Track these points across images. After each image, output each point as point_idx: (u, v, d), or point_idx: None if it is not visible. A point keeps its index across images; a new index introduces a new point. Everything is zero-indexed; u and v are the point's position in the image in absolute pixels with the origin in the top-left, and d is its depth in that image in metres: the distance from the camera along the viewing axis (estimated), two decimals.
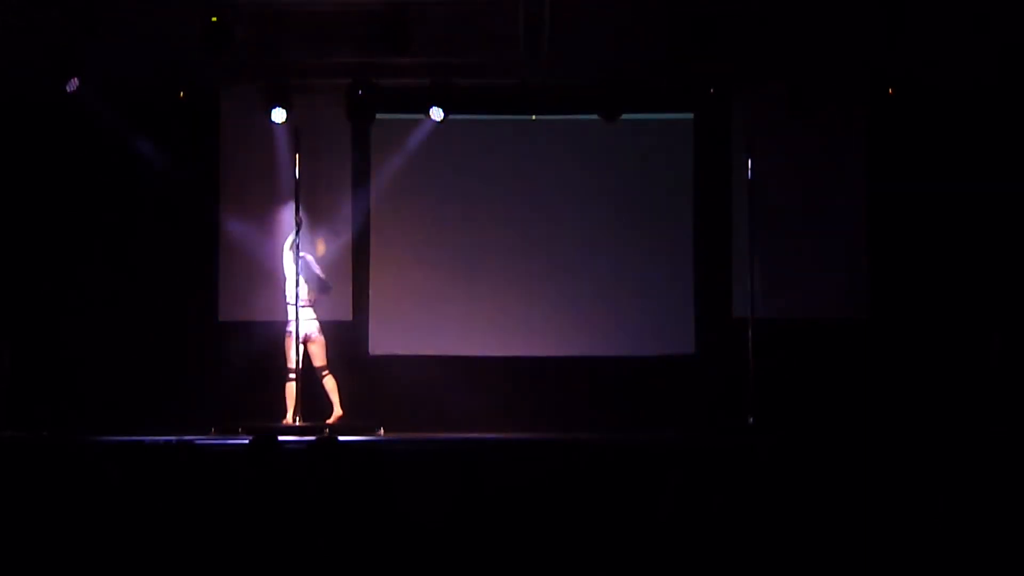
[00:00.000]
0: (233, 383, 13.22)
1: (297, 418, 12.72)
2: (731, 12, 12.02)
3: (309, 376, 12.88)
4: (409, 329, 13.72)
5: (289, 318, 12.63)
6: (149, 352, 13.42)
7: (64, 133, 13.44)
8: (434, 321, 13.79)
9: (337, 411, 12.75)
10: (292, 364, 12.57)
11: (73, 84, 12.32)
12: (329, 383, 12.76)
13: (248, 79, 13.27)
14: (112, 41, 12.59)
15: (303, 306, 12.62)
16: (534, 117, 13.93)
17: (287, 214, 13.39)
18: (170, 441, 9.65)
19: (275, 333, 13.19)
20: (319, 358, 12.77)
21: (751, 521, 4.71)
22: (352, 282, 13.72)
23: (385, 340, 13.70)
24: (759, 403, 13.08)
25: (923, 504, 4.42)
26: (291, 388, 12.58)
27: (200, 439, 10.91)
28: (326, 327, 13.12)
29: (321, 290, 12.79)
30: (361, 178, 13.83)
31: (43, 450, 10.89)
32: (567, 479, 6.07)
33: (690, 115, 13.93)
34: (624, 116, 13.25)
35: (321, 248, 13.18)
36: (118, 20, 12.38)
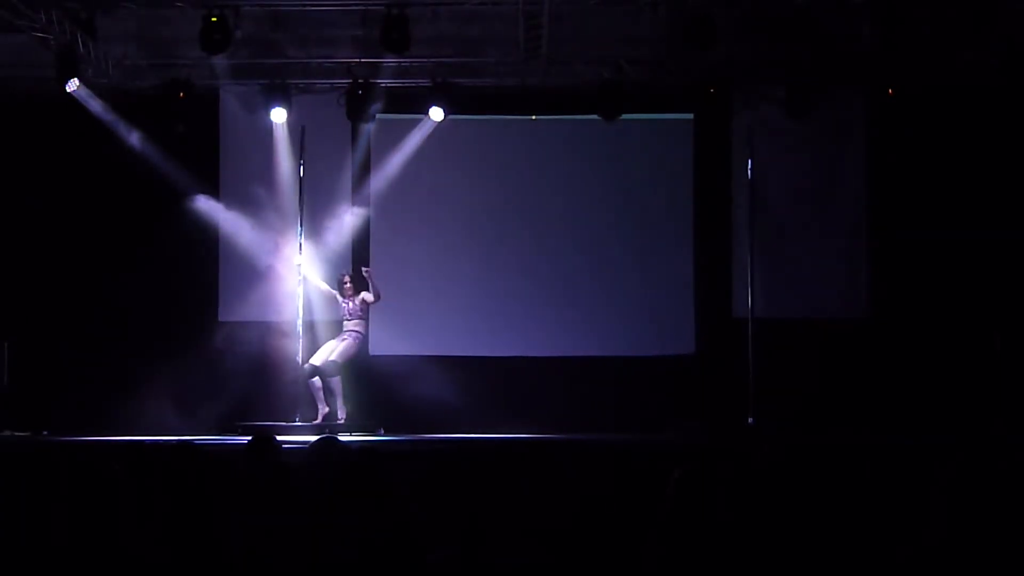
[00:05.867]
0: (233, 383, 13.22)
1: (297, 417, 12.80)
2: (731, 13, 12.02)
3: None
4: (409, 329, 13.71)
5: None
6: (149, 352, 13.41)
7: (63, 133, 13.43)
8: (434, 321, 13.79)
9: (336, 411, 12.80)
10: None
11: (73, 84, 12.32)
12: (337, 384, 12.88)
13: (248, 79, 13.27)
14: (112, 41, 12.62)
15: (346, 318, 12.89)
16: (534, 117, 13.94)
17: (287, 214, 13.40)
18: (170, 441, 9.67)
19: (275, 333, 13.27)
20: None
21: (751, 522, 4.71)
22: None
23: (385, 340, 13.69)
24: (759, 403, 13.09)
25: (923, 504, 4.42)
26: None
27: (200, 439, 10.92)
28: (325, 327, 13.20)
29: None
30: (361, 178, 13.83)
31: (43, 450, 10.89)
32: (567, 479, 6.06)
33: (690, 115, 13.93)
34: (624, 116, 13.25)
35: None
36: (118, 20, 12.40)
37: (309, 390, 12.83)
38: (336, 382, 12.78)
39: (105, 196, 13.63)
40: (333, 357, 12.73)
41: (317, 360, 12.78)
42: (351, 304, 12.79)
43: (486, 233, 13.91)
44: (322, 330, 13.30)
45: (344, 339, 12.82)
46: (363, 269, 12.84)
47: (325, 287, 13.02)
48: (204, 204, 13.46)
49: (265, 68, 13.14)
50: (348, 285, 12.81)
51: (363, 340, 12.97)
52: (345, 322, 12.89)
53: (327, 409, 12.72)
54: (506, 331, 13.80)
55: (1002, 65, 12.57)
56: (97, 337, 13.46)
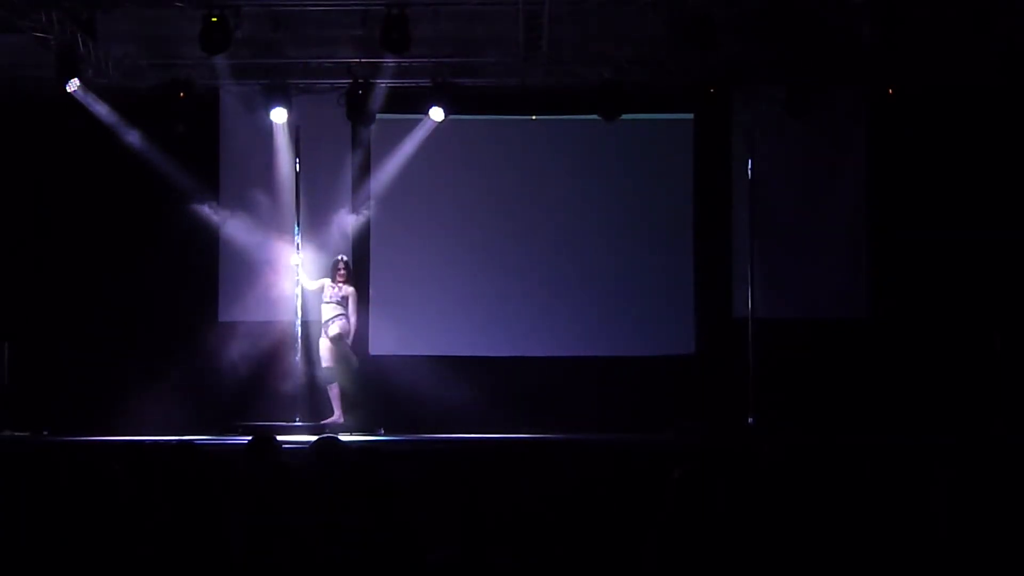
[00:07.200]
0: (233, 383, 13.23)
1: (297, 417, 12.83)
2: (731, 13, 12.02)
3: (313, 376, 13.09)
4: (409, 329, 13.71)
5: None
6: (149, 352, 13.42)
7: (63, 134, 13.42)
8: (434, 321, 13.79)
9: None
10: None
11: (73, 84, 12.31)
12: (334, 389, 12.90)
13: (248, 79, 13.27)
14: (112, 41, 12.61)
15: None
16: (534, 117, 13.94)
17: (287, 214, 13.41)
18: (170, 441, 9.68)
19: (275, 333, 13.29)
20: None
21: (751, 521, 4.71)
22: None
23: (385, 340, 13.69)
24: (759, 403, 13.09)
25: (923, 504, 4.42)
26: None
27: (200, 439, 10.92)
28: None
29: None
30: (361, 178, 13.83)
31: (43, 450, 10.89)
32: (567, 479, 6.06)
33: (690, 115, 13.93)
34: (624, 116, 13.24)
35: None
36: (118, 20, 12.39)
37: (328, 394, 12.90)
38: (333, 389, 12.79)
39: (105, 196, 13.62)
40: (325, 364, 12.76)
41: (323, 363, 12.82)
42: (336, 290, 12.78)
43: (486, 233, 13.91)
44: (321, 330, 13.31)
45: (324, 333, 12.80)
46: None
47: (315, 285, 12.98)
48: (205, 210, 13.48)
49: (265, 68, 13.14)
50: (342, 271, 12.81)
51: (347, 322, 12.83)
52: (324, 308, 12.82)
53: (340, 418, 12.72)
54: (506, 331, 13.80)
55: (1002, 65, 12.57)
56: (97, 337, 13.46)
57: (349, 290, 12.80)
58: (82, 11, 12.11)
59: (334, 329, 12.69)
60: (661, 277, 13.83)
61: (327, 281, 12.88)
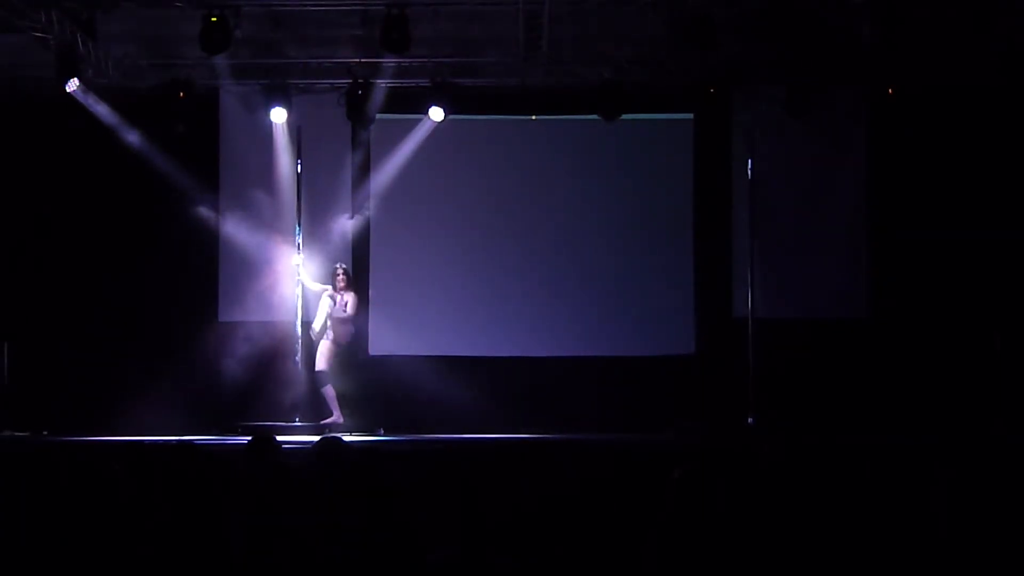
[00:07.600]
0: (233, 383, 13.23)
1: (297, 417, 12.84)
2: (731, 13, 12.02)
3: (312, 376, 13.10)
4: (409, 329, 13.71)
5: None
6: (149, 352, 13.41)
7: (63, 133, 13.42)
8: (434, 321, 13.79)
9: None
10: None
11: (73, 84, 12.31)
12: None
13: (248, 79, 13.27)
14: (112, 41, 12.62)
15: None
16: (534, 117, 13.94)
17: (287, 214, 13.41)
18: (170, 441, 9.68)
19: (275, 333, 13.29)
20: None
21: (751, 521, 4.71)
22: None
23: (385, 340, 13.69)
24: (759, 403, 13.09)
25: (923, 504, 4.42)
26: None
27: (200, 439, 10.93)
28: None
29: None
30: (361, 178, 13.83)
31: (43, 450, 10.90)
32: (567, 479, 6.07)
33: (690, 115, 13.93)
34: (624, 116, 13.24)
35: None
36: (118, 20, 12.40)
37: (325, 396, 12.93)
38: (328, 390, 12.81)
39: (105, 196, 13.62)
40: (319, 367, 12.79)
41: (318, 366, 12.85)
42: (340, 298, 12.80)
43: (486, 233, 13.90)
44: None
45: (327, 337, 12.84)
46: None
47: (319, 286, 13.03)
48: (205, 210, 13.49)
49: (265, 68, 13.14)
50: (340, 277, 12.84)
51: (349, 330, 12.92)
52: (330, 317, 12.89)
53: (340, 418, 12.74)
54: (506, 331, 13.80)
55: (1002, 65, 12.57)
56: (97, 337, 13.46)
57: (351, 295, 12.85)
58: (82, 11, 12.12)
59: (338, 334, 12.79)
60: (661, 277, 13.83)
61: (330, 289, 12.89)
